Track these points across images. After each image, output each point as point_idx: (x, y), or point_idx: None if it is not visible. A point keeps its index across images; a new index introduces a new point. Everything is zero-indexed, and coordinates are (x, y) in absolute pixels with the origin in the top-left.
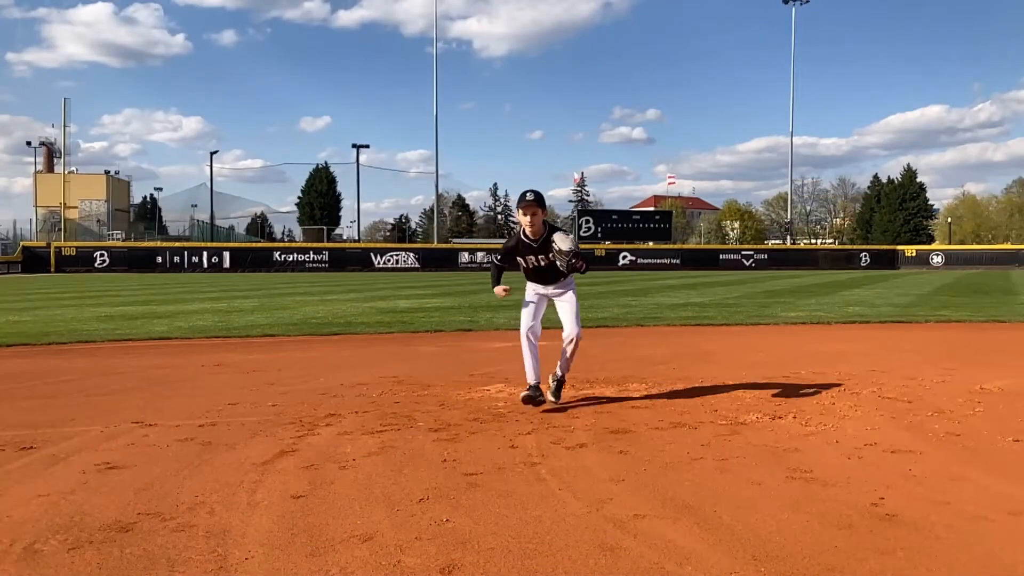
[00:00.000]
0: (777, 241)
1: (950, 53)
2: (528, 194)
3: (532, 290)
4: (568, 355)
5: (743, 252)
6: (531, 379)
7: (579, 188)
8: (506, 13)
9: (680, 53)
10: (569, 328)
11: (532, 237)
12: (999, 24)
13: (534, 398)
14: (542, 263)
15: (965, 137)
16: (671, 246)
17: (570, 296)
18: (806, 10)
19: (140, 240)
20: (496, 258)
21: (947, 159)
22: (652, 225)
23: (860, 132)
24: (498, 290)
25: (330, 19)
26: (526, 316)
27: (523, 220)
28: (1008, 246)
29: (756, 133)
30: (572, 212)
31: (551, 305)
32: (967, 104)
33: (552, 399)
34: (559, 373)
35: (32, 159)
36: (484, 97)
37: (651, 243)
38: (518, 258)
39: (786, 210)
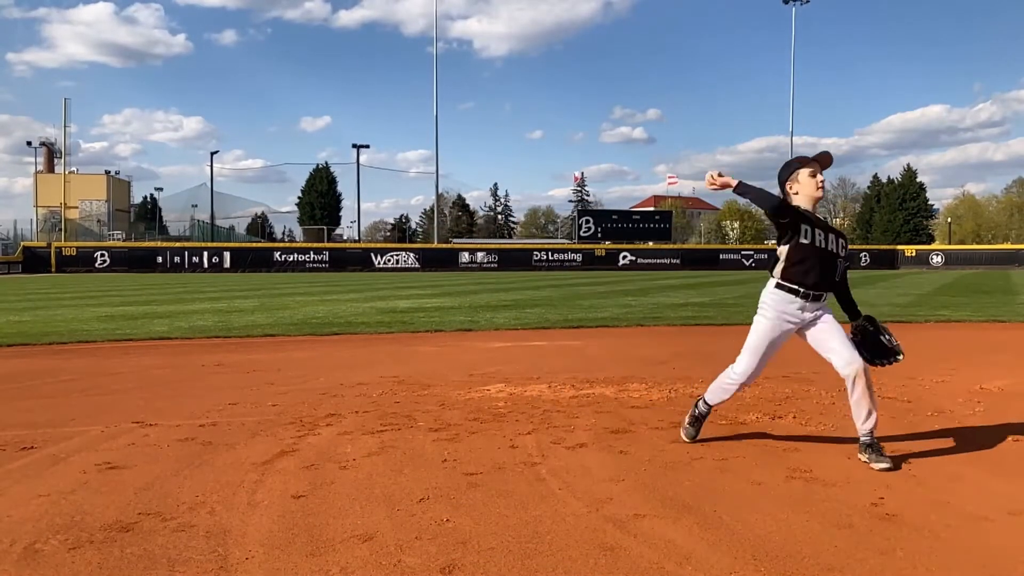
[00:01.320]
0: None
1: (951, 53)
2: (824, 153)
3: (779, 311)
4: (856, 398)
5: (743, 252)
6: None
7: (579, 188)
8: (507, 13)
9: (681, 53)
10: (847, 356)
11: (814, 208)
12: (1000, 24)
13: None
14: (836, 250)
15: (966, 137)
16: (671, 246)
17: (830, 318)
18: (808, 10)
19: (140, 240)
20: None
21: (947, 159)
22: (652, 225)
23: (861, 132)
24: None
25: (331, 19)
26: (751, 360)
27: (807, 184)
28: (1008, 246)
29: (757, 133)
30: (572, 212)
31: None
32: (968, 104)
33: (880, 466)
34: (865, 429)
35: (32, 159)
36: (484, 97)
37: (651, 243)
38: (803, 227)
39: None
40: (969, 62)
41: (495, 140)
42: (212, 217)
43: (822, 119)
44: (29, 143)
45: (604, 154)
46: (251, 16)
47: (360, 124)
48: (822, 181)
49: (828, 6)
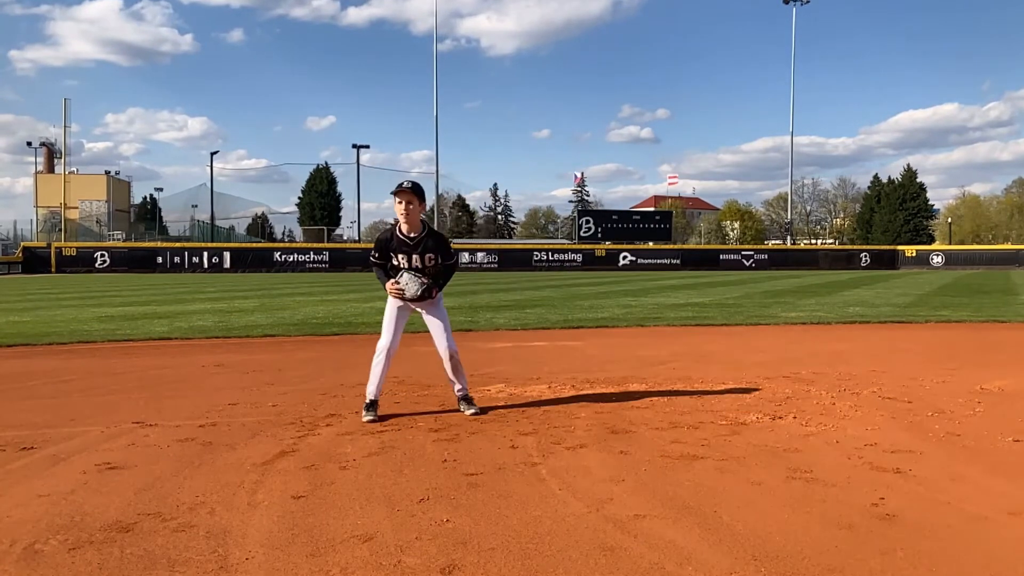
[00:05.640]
0: (777, 241)
1: (959, 51)
2: (405, 182)
3: (393, 302)
4: (451, 371)
5: (743, 252)
6: (371, 394)
7: (579, 188)
8: (515, 11)
9: (689, 52)
10: (443, 345)
11: (406, 232)
12: (1011, 21)
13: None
14: (416, 264)
15: (975, 136)
16: (671, 246)
17: (440, 313)
18: (814, 9)
19: (140, 240)
20: (373, 256)
21: (954, 159)
22: (652, 225)
23: (867, 131)
24: (389, 285)
25: (339, 16)
26: (386, 332)
27: (397, 210)
28: (1008, 246)
29: (762, 132)
30: (573, 212)
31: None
32: (978, 102)
33: (471, 411)
34: (460, 388)
35: (33, 159)
36: (491, 96)
37: (651, 243)
38: (392, 254)
39: (786, 210)
40: (979, 59)
41: (501, 139)
42: (212, 217)
43: (828, 119)
44: (29, 143)
45: (610, 153)
46: (258, 14)
47: (365, 124)
48: (402, 209)
49: (834, 5)
